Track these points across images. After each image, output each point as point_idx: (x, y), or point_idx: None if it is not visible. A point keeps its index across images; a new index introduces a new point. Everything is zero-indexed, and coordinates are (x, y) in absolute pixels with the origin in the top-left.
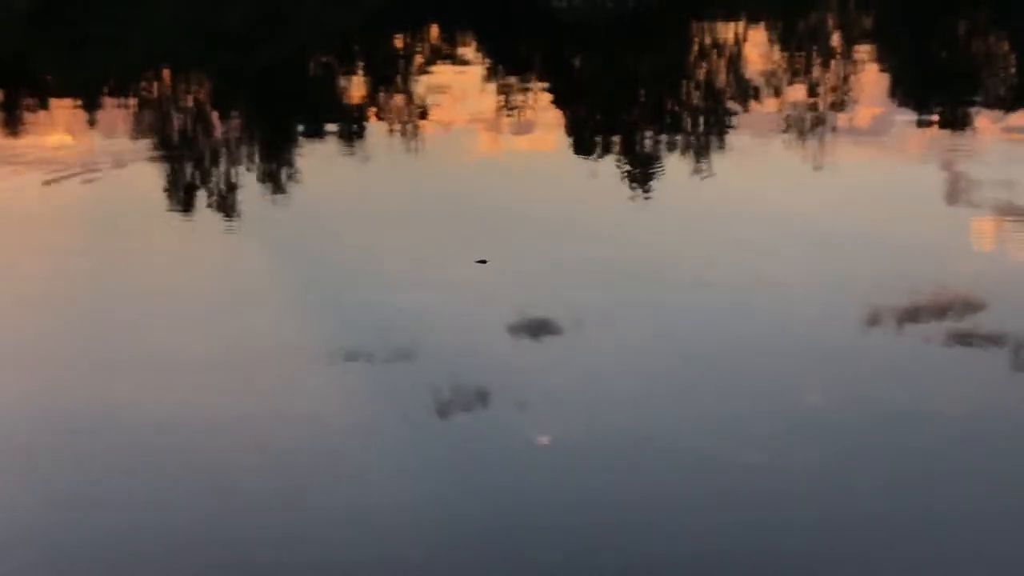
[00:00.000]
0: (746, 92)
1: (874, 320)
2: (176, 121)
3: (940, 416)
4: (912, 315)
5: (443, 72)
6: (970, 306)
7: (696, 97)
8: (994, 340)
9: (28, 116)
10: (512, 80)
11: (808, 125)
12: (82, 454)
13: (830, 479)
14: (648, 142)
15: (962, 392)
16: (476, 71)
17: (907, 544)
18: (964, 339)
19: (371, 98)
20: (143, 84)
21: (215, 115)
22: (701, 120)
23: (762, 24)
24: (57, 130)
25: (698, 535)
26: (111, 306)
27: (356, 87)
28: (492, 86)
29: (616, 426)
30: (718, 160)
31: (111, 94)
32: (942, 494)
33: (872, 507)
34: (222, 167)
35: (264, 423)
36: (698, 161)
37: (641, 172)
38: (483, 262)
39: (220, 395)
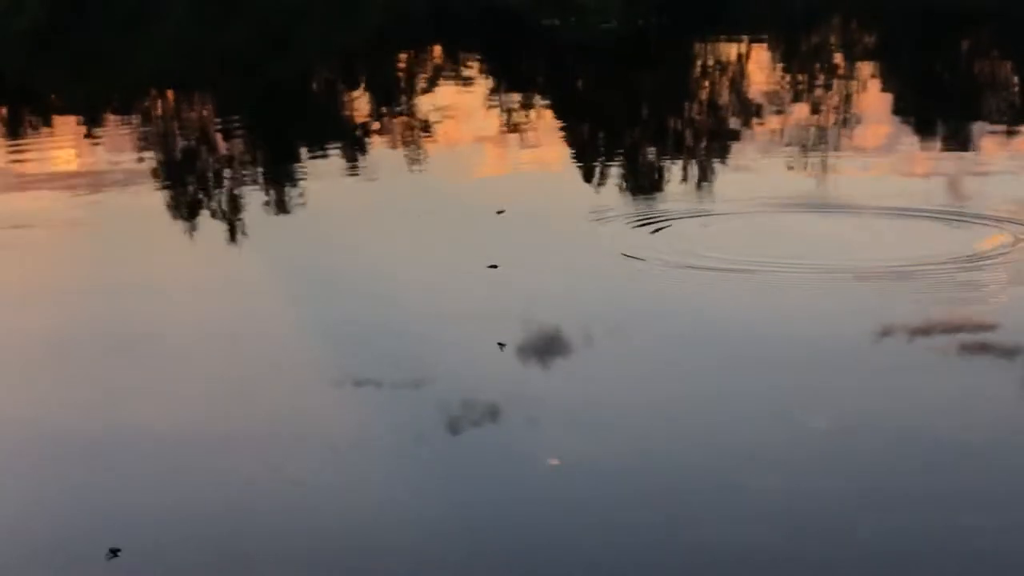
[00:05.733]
0: (749, 111)
1: (884, 339)
2: (180, 141)
3: (952, 436)
4: (921, 334)
5: (446, 91)
6: (981, 325)
7: (698, 115)
8: (1005, 358)
9: (31, 135)
10: (516, 99)
11: (811, 144)
12: (85, 470)
13: (842, 501)
14: (652, 160)
15: (975, 412)
16: (479, 90)
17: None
18: (975, 357)
19: (374, 117)
20: (146, 104)
21: (219, 135)
22: (704, 138)
23: (764, 44)
24: (60, 149)
25: (709, 555)
26: (115, 324)
27: (359, 106)
28: (495, 105)
29: (625, 446)
30: (719, 177)
31: (114, 113)
32: (954, 512)
33: (885, 530)
34: (226, 186)
35: (270, 442)
36: (700, 179)
37: (643, 189)
38: (494, 267)
39: (225, 415)
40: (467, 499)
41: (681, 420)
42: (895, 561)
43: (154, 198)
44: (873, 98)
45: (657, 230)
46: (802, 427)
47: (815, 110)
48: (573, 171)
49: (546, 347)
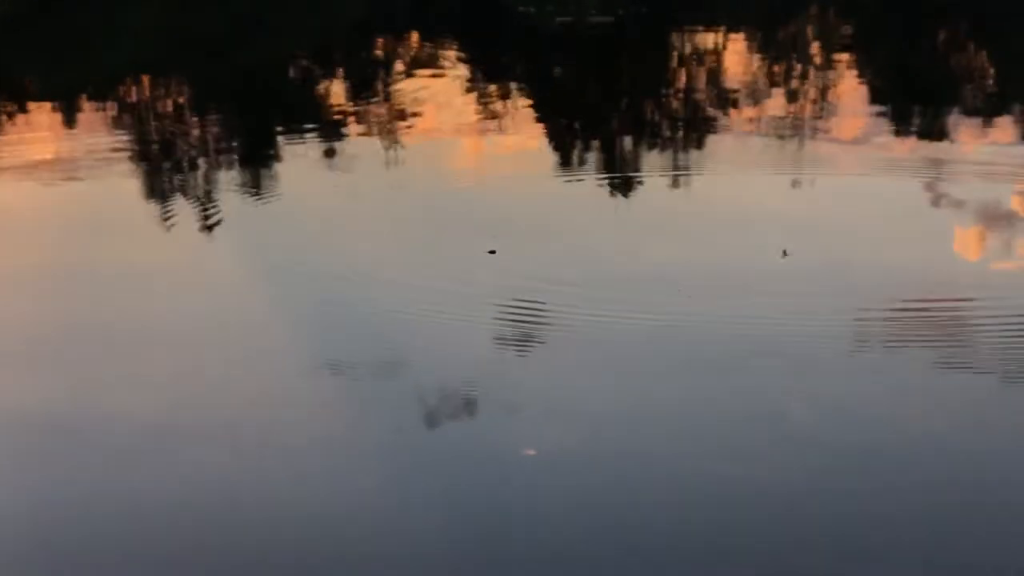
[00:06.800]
0: (726, 100)
1: (860, 330)
2: (156, 126)
3: (923, 429)
4: (896, 325)
5: (423, 79)
6: (956, 316)
7: (676, 104)
8: (979, 351)
9: (7, 120)
10: (493, 87)
11: (789, 133)
12: (61, 459)
13: (816, 493)
14: (630, 149)
15: (946, 405)
16: (455, 78)
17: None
18: (949, 351)
19: (351, 104)
20: (123, 89)
21: (195, 120)
22: (682, 127)
23: (742, 34)
24: (37, 135)
25: (685, 547)
26: (90, 311)
27: (336, 93)
28: (473, 93)
29: (602, 437)
30: (699, 168)
31: (91, 99)
32: (928, 509)
33: (855, 523)
34: (203, 173)
35: (245, 431)
36: (679, 169)
37: (624, 179)
38: (492, 252)
39: (202, 403)
40: (443, 489)
41: (657, 413)
42: (867, 551)
43: (130, 185)
44: (849, 87)
45: (628, 217)
46: (776, 419)
47: (791, 98)
48: (546, 156)
49: (524, 336)
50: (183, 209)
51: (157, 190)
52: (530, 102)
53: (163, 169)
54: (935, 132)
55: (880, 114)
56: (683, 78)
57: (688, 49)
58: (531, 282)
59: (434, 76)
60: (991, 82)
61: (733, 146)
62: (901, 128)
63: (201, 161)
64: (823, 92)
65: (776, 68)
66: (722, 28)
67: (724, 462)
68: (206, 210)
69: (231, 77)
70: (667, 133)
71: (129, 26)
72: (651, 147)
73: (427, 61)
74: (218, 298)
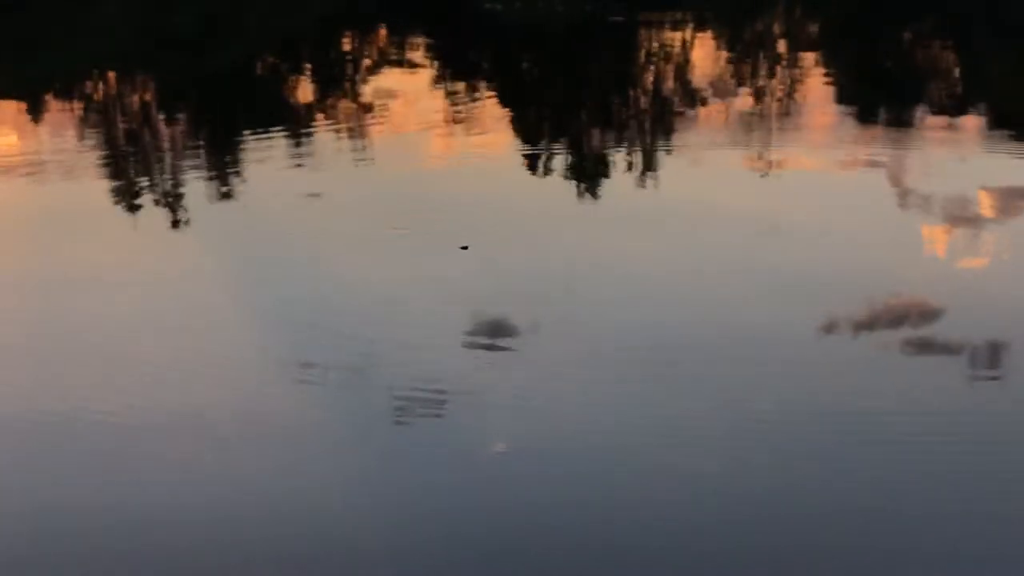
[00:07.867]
0: (694, 97)
1: (827, 324)
2: (124, 124)
3: (891, 420)
4: (863, 319)
5: (392, 76)
6: (920, 310)
7: (644, 101)
8: (944, 344)
9: None
10: (462, 84)
11: (756, 130)
12: (32, 457)
13: (785, 485)
14: (598, 145)
15: (911, 395)
16: (421, 75)
17: (861, 549)
18: (914, 343)
19: (320, 102)
20: (91, 86)
21: (163, 119)
22: (650, 124)
23: (709, 31)
24: (3, 132)
25: (656, 539)
26: (59, 311)
27: (305, 91)
28: (442, 90)
29: (571, 431)
30: (667, 164)
31: (58, 96)
32: (897, 498)
33: (826, 513)
34: (171, 171)
35: (217, 430)
36: (648, 165)
37: (592, 175)
38: (465, 248)
39: (172, 401)
40: (414, 484)
41: (625, 404)
42: (829, 545)
43: (97, 185)
44: (815, 82)
45: (597, 213)
46: (742, 415)
47: (758, 94)
48: (515, 156)
49: (493, 333)
50: (148, 208)
51: (124, 189)
52: (496, 97)
53: (129, 169)
54: (901, 128)
55: (847, 110)
56: (648, 74)
57: (655, 45)
58: (496, 275)
59: (401, 72)
60: (957, 78)
61: (696, 138)
62: (867, 124)
63: (168, 160)
64: (790, 88)
65: (744, 63)
66: (690, 24)
67: (689, 459)
68: (172, 210)
69: (199, 74)
70: (634, 126)
71: (98, 23)
72: (616, 140)
73: (394, 57)
74: (184, 297)
